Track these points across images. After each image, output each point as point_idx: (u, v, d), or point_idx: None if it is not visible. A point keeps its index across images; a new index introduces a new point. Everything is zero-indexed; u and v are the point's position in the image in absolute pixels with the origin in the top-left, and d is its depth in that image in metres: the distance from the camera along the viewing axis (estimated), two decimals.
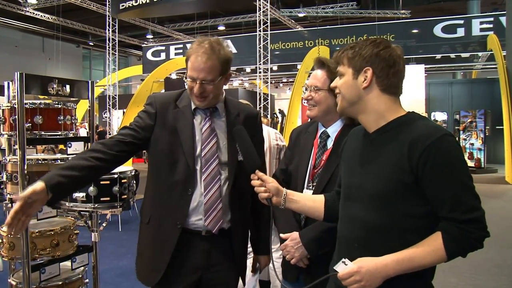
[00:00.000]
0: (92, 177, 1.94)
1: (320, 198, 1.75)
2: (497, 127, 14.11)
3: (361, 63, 1.47)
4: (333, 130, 2.00)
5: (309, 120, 2.20)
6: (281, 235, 1.93)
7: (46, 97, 2.98)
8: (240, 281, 2.10)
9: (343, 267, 1.39)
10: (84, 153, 1.85)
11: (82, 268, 2.99)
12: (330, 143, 1.99)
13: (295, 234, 1.90)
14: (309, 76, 2.15)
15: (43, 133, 2.82)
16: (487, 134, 14.11)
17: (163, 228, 1.92)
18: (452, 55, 17.06)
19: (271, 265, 1.70)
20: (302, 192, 1.97)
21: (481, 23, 15.33)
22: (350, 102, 1.52)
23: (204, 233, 1.92)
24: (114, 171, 2.39)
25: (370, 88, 1.47)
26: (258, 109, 12.59)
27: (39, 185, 1.63)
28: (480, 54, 16.97)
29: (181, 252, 1.91)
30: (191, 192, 1.90)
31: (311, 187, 1.97)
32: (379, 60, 1.45)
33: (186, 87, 1.93)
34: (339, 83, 1.54)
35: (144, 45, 21.87)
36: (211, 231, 1.91)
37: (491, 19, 15.25)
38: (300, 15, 19.20)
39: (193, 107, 1.98)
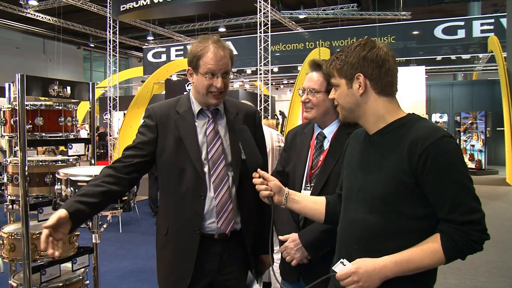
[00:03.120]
0: (107, 201, 1.95)
1: (322, 200, 1.75)
2: (497, 129, 14.11)
3: (351, 71, 1.47)
4: (330, 130, 2.01)
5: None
6: (280, 237, 1.93)
7: (47, 98, 2.99)
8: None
9: (341, 268, 1.39)
10: (97, 179, 1.86)
11: (83, 269, 2.99)
12: (326, 144, 2.00)
13: (295, 236, 1.90)
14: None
15: (43, 134, 2.82)
16: (487, 135, 14.09)
17: (183, 237, 1.92)
18: (453, 57, 17.04)
19: (272, 266, 1.70)
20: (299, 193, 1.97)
21: (482, 24, 15.33)
22: (349, 111, 1.52)
23: (216, 236, 1.92)
24: None
25: (366, 94, 1.47)
26: (259, 110, 12.57)
27: (62, 212, 1.69)
28: (480, 55, 16.95)
29: (197, 257, 1.91)
30: (203, 197, 1.90)
31: (308, 188, 1.97)
32: (368, 63, 1.45)
33: (200, 86, 1.91)
34: (336, 95, 1.54)
35: (145, 46, 21.87)
36: (224, 233, 1.92)
37: (492, 20, 15.25)
38: (301, 16, 19.22)
39: (196, 110, 1.97)
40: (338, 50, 1.55)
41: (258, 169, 1.67)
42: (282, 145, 3.45)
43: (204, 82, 1.88)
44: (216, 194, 1.90)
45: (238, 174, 1.95)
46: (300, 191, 1.98)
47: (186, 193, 1.90)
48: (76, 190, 2.47)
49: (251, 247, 2.02)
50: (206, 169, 1.91)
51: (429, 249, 1.34)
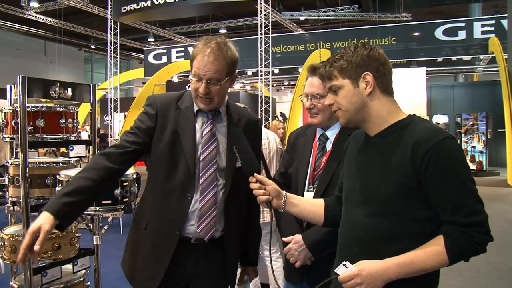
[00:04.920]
0: (97, 196, 1.89)
1: (320, 202, 1.73)
2: (498, 130, 14.11)
3: (356, 70, 1.44)
4: (332, 132, 2.01)
5: None
6: (284, 238, 1.93)
7: (48, 100, 2.99)
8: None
9: (344, 270, 1.38)
10: (88, 171, 1.76)
11: (84, 271, 2.99)
12: (329, 145, 2.00)
13: (298, 237, 1.90)
14: (305, 83, 2.13)
15: (45, 136, 2.82)
16: (488, 137, 14.10)
17: (161, 235, 1.87)
18: (454, 58, 17.05)
19: (272, 266, 1.70)
20: (303, 194, 1.97)
21: (483, 25, 15.34)
22: (355, 111, 1.48)
23: (193, 240, 1.87)
24: None
25: (373, 93, 1.45)
26: (259, 111, 12.59)
27: (48, 219, 1.58)
28: (481, 56, 16.96)
29: (172, 259, 1.85)
30: (190, 197, 1.84)
31: (311, 189, 1.97)
32: (372, 61, 1.44)
33: (191, 88, 1.88)
34: (339, 99, 1.49)
35: (146, 48, 21.91)
36: (202, 239, 1.86)
37: (493, 21, 15.26)
38: (302, 18, 19.22)
39: (195, 109, 1.93)
40: (335, 53, 1.52)
41: (255, 174, 1.62)
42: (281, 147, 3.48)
43: (192, 84, 1.85)
44: (202, 197, 1.84)
45: (230, 181, 1.89)
46: (303, 193, 1.98)
47: (174, 190, 1.85)
48: None
49: (231, 257, 1.98)
50: (197, 169, 1.86)
51: (432, 251, 1.33)
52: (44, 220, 1.58)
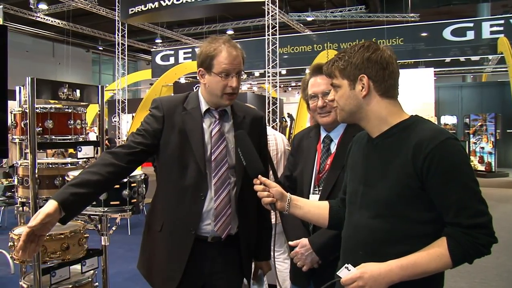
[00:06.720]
0: (103, 191, 1.95)
1: (325, 204, 1.73)
2: (507, 131, 14.02)
3: (355, 72, 1.44)
4: (336, 134, 1.99)
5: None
6: (290, 242, 1.92)
7: (56, 101, 3.01)
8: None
9: (346, 273, 1.37)
10: (95, 166, 1.79)
11: (92, 271, 3.00)
12: (333, 147, 1.99)
13: (305, 241, 1.89)
14: (304, 86, 2.08)
15: (53, 137, 2.84)
16: (497, 137, 13.98)
17: (177, 235, 1.89)
18: (462, 58, 16.91)
19: (275, 269, 1.70)
20: (308, 197, 1.96)
21: (491, 25, 15.17)
22: (350, 113, 1.49)
23: (210, 239, 1.90)
24: None
25: (369, 96, 1.44)
26: (267, 112, 12.59)
27: (52, 205, 1.59)
28: (490, 57, 16.82)
29: (189, 259, 1.88)
30: (204, 197, 1.87)
31: (317, 192, 1.97)
32: (372, 64, 1.42)
33: (213, 87, 1.88)
34: (337, 97, 1.51)
35: (153, 49, 21.97)
36: (218, 237, 1.89)
37: (502, 21, 15.10)
38: (309, 19, 19.19)
39: (203, 109, 1.95)
40: (340, 51, 1.52)
41: (259, 176, 1.63)
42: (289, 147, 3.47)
43: (219, 82, 1.85)
44: (217, 196, 1.88)
45: (241, 178, 1.92)
46: (308, 196, 1.97)
47: (187, 190, 1.87)
48: None
49: (246, 252, 2.00)
50: (208, 169, 1.89)
51: (435, 253, 1.32)
52: (48, 206, 1.59)
